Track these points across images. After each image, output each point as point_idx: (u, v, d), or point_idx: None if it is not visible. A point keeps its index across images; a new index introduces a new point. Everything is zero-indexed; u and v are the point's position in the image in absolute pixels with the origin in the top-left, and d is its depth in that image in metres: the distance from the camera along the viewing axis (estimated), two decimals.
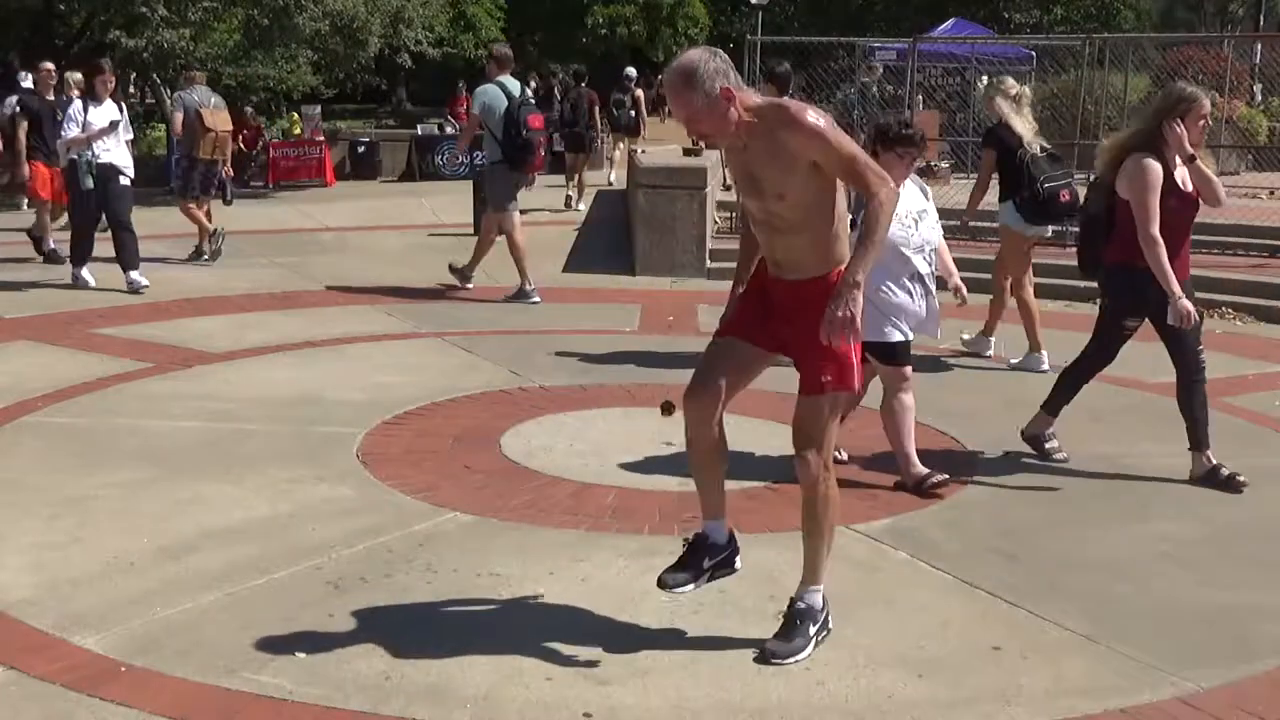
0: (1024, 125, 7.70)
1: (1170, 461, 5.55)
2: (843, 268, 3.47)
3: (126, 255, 9.55)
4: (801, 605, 3.71)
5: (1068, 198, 7.61)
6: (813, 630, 3.68)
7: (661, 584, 3.71)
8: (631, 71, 18.17)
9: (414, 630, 3.74)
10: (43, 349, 7.55)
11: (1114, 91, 14.72)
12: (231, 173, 12.29)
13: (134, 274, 9.48)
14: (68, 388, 6.53)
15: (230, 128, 11.73)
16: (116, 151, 9.59)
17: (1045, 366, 7.40)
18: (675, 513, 4.87)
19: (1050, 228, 8.11)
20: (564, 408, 6.44)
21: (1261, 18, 30.77)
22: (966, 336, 8.16)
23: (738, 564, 3.87)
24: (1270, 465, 5.73)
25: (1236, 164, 16.97)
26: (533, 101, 9.47)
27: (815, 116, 3.43)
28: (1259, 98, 19.52)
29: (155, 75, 21.16)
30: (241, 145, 20.49)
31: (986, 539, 4.67)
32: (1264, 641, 3.83)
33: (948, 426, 6.23)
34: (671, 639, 3.73)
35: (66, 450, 5.50)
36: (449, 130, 20.88)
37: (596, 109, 16.26)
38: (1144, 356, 7.01)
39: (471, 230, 12.78)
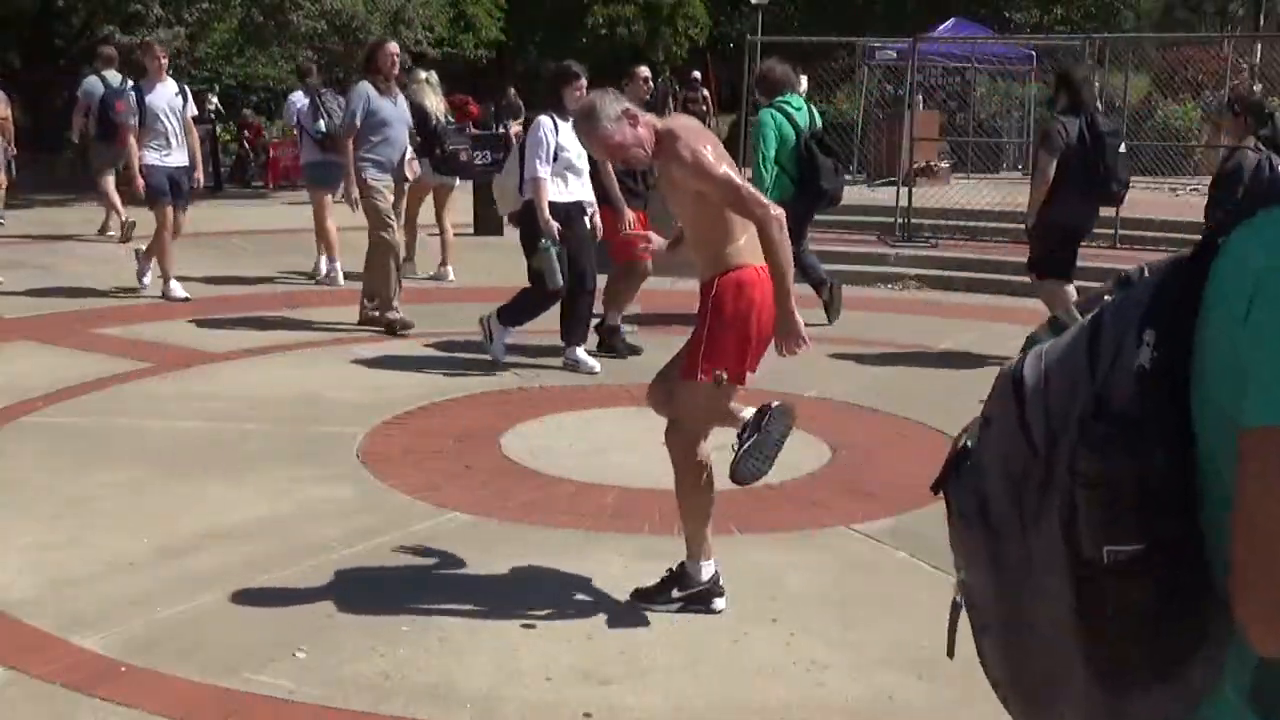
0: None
1: None
2: (730, 274, 3.76)
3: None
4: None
5: None
6: (677, 593, 3.90)
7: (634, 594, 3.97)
8: (697, 75, 18.39)
9: (414, 630, 3.74)
10: (43, 349, 7.55)
11: (1114, 91, 14.72)
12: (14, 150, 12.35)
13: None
14: (68, 388, 6.53)
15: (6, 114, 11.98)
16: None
17: None
18: (675, 513, 4.86)
19: None
20: (564, 408, 6.44)
21: (1261, 18, 30.75)
22: None
23: (717, 605, 3.93)
24: None
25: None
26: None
27: (692, 147, 3.65)
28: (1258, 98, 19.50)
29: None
30: (244, 144, 20.52)
31: None
32: None
33: (948, 426, 6.23)
34: (671, 639, 3.73)
35: (66, 450, 5.50)
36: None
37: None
38: None
39: (472, 230, 12.80)
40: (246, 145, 20.59)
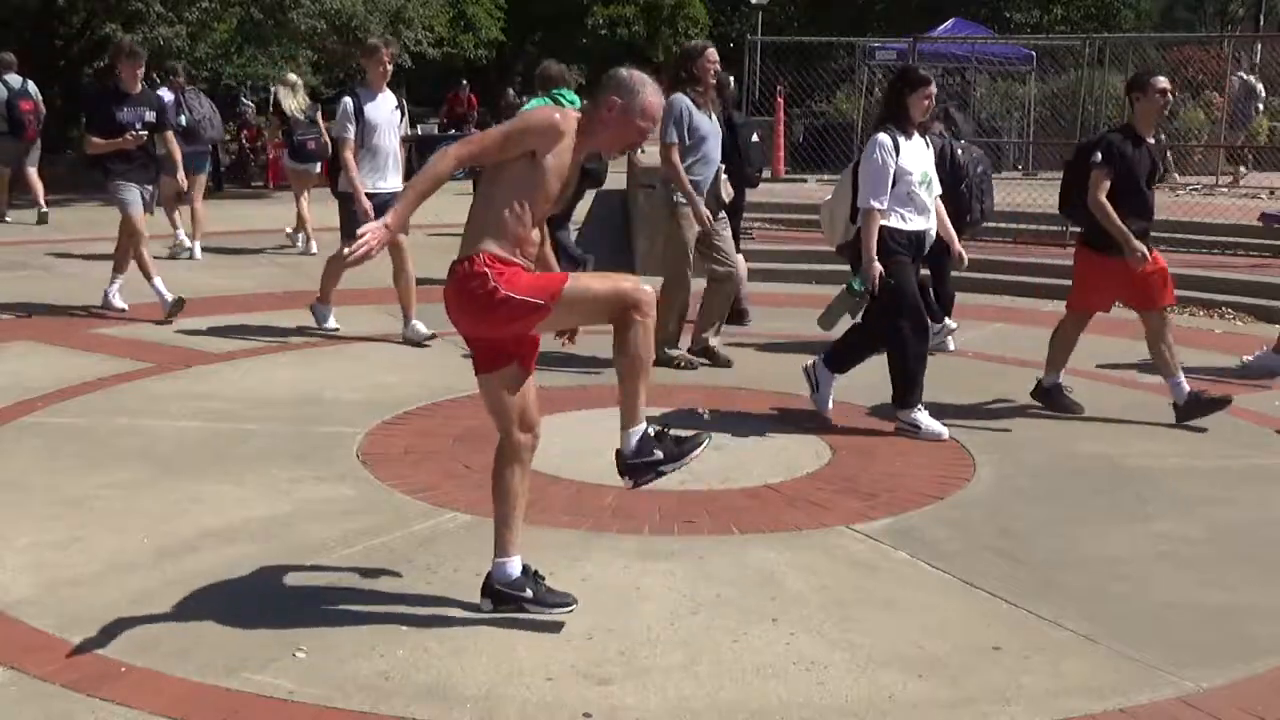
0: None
1: (1170, 462, 5.55)
2: None
3: None
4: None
5: None
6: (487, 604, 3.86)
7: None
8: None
9: (414, 630, 3.74)
10: (43, 349, 7.55)
11: (1114, 91, 14.72)
12: None
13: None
14: (68, 388, 6.53)
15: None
16: None
17: None
18: (675, 513, 4.87)
19: None
20: (564, 408, 6.44)
21: (1261, 18, 30.75)
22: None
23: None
24: (1270, 465, 5.73)
25: (1237, 164, 16.97)
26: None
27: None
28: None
29: (155, 75, 21.15)
30: (244, 144, 20.52)
31: (986, 539, 4.67)
32: (1264, 641, 3.82)
33: (948, 426, 6.23)
34: (671, 639, 3.73)
35: (66, 450, 5.50)
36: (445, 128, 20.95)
37: None
38: (1141, 356, 7.02)
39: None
40: (246, 145, 20.59)
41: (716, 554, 4.44)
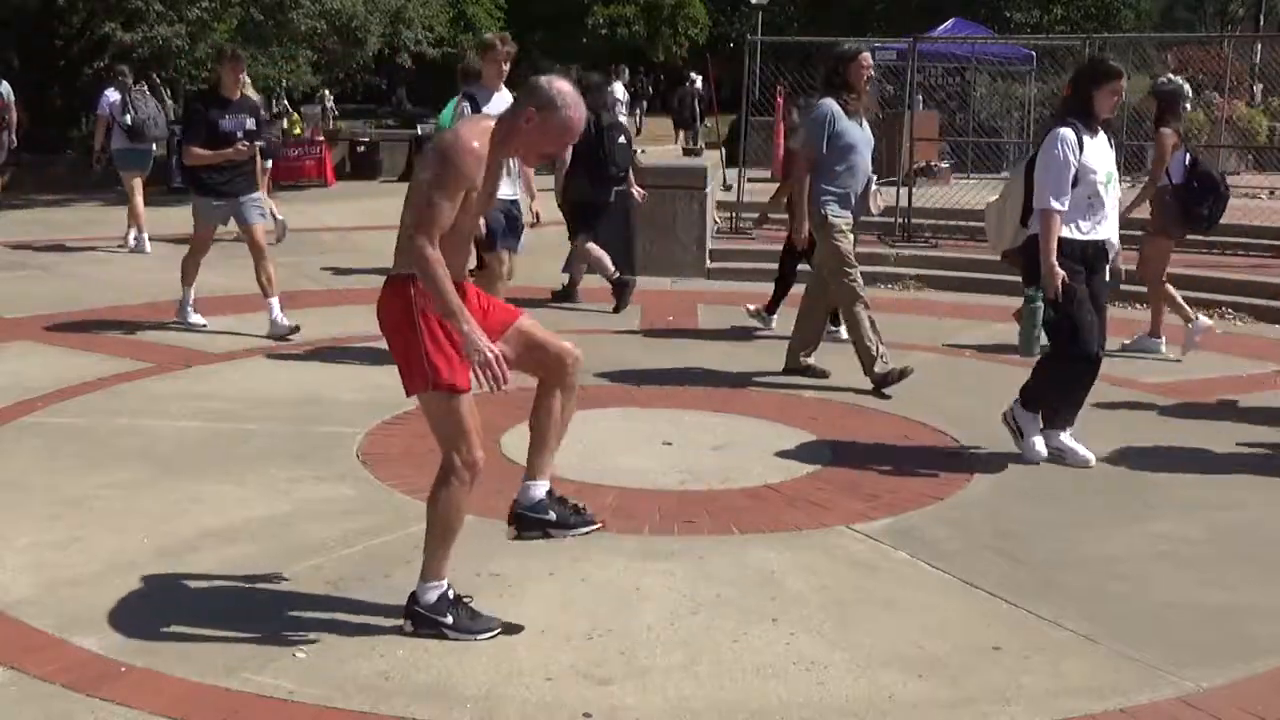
0: None
1: (1170, 461, 5.55)
2: None
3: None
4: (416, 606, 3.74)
5: None
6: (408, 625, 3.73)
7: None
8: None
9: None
10: (43, 349, 7.55)
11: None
12: None
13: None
14: (68, 388, 6.53)
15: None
16: None
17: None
18: (675, 513, 4.87)
19: None
20: None
21: (1261, 18, 30.77)
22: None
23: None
24: (1270, 465, 5.73)
25: (1236, 164, 16.98)
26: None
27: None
28: (1259, 98, 19.52)
29: (155, 74, 21.16)
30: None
31: (986, 539, 4.67)
32: (1264, 641, 3.82)
33: (948, 426, 6.23)
34: (671, 639, 3.73)
35: (66, 450, 5.50)
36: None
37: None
38: (1141, 356, 7.03)
39: None
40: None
41: (716, 554, 4.44)
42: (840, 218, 6.91)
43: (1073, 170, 5.35)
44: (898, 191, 12.70)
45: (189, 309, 8.39)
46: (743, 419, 6.37)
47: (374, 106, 37.49)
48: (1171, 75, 15.44)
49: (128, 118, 11.92)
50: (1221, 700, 3.44)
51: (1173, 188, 7.90)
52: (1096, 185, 5.41)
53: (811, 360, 7.29)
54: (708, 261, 11.15)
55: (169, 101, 19.38)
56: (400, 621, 3.76)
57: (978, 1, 32.66)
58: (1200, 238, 8.90)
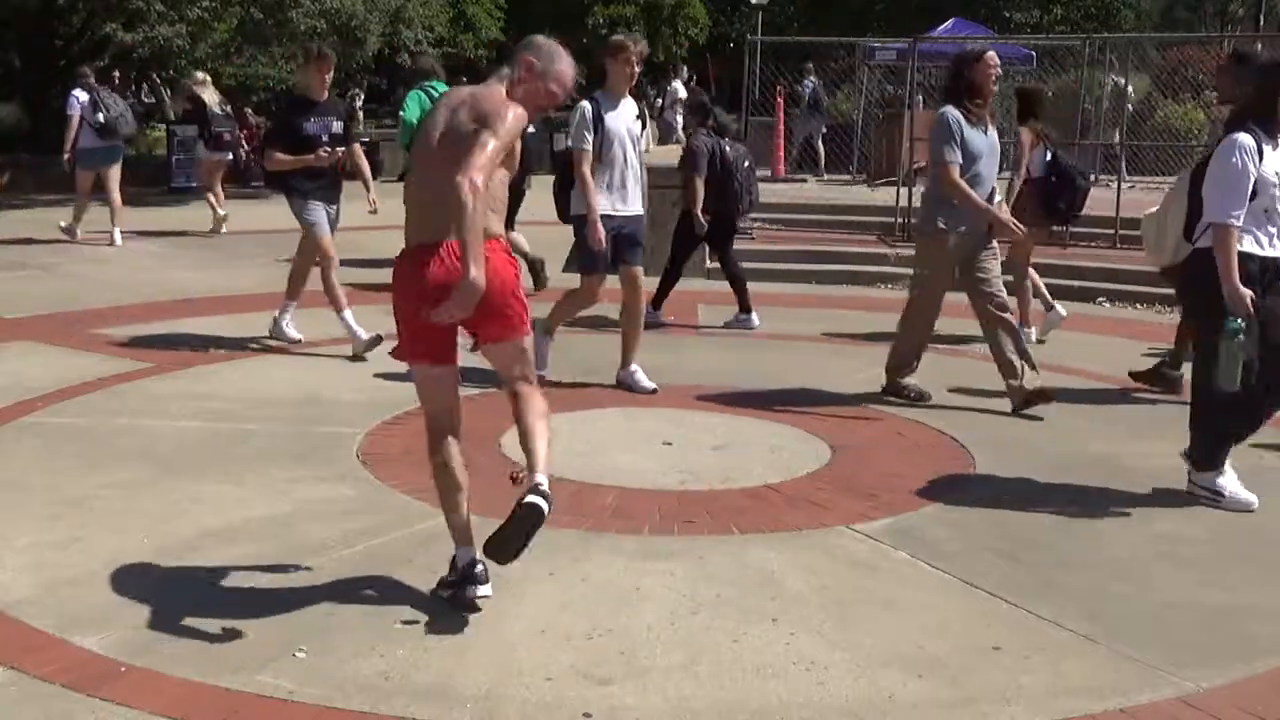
0: None
1: (1170, 462, 5.55)
2: None
3: None
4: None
5: None
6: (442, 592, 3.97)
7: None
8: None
9: (414, 630, 3.74)
10: (43, 349, 7.55)
11: (1114, 91, 14.71)
12: None
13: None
14: (68, 388, 6.53)
15: None
16: None
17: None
18: (675, 513, 4.87)
19: None
20: (564, 408, 6.43)
21: (1261, 18, 30.76)
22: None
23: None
24: (1270, 466, 5.74)
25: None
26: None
27: None
28: None
29: (156, 74, 21.18)
30: (244, 144, 20.50)
31: (986, 539, 4.67)
32: (1264, 641, 3.83)
33: (948, 426, 6.23)
34: (671, 639, 3.73)
35: (66, 450, 5.50)
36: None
37: None
38: (1139, 356, 7.03)
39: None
40: (245, 145, 20.55)
41: (716, 554, 4.45)
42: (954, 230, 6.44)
43: (1252, 180, 4.88)
44: (898, 191, 12.72)
45: (286, 321, 8.03)
46: (743, 419, 6.37)
47: (374, 106, 37.51)
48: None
49: (100, 116, 12.19)
50: (1221, 700, 3.44)
51: (1033, 181, 8.33)
52: (1277, 197, 4.97)
53: (911, 380, 6.83)
54: (707, 261, 11.14)
55: (168, 101, 19.39)
56: (401, 619, 3.75)
57: (978, 1, 32.65)
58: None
